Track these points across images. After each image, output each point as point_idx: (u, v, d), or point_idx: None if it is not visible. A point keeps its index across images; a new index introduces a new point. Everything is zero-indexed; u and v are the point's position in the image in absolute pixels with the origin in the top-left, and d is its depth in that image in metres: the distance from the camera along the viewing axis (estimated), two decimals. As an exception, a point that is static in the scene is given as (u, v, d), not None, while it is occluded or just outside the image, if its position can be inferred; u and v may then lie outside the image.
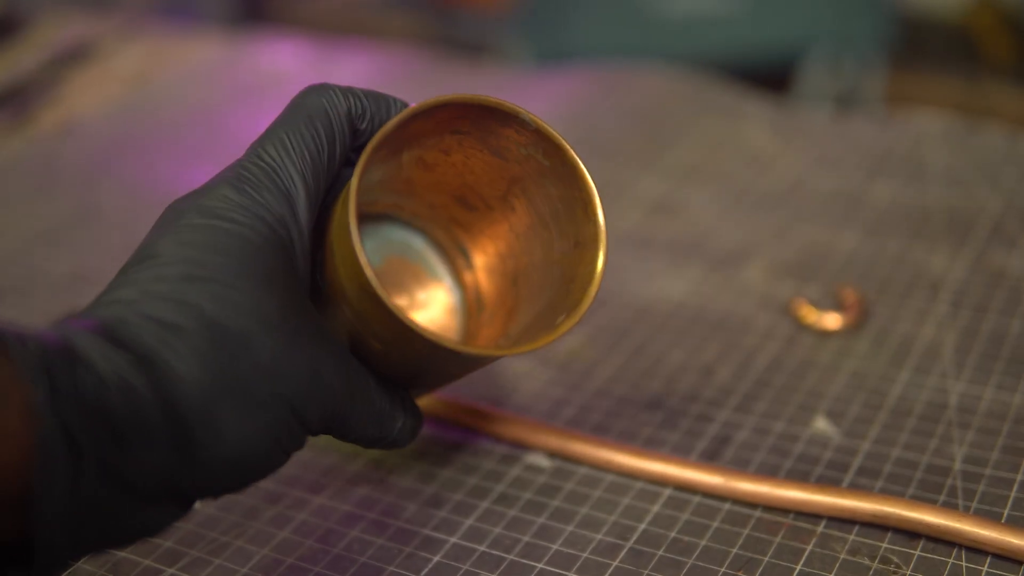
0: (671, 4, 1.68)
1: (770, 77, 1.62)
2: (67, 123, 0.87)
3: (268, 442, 0.35)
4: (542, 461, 0.49)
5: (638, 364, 0.55)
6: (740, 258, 0.63)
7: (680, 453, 0.49)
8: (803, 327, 0.57)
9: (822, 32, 1.70)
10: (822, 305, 0.58)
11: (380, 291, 0.36)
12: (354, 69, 0.91)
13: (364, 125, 0.40)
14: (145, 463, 0.32)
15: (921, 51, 1.88)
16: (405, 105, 0.41)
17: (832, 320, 0.56)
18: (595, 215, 0.40)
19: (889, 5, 1.70)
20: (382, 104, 0.40)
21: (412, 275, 0.47)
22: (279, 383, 0.34)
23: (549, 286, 0.42)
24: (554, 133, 0.40)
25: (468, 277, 0.47)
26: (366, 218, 0.46)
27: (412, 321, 0.36)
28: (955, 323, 0.56)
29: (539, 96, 0.86)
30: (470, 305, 0.47)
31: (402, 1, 2.09)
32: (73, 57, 0.99)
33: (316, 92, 0.39)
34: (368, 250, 0.45)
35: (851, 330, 0.56)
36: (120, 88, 0.94)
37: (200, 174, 0.78)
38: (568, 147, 0.40)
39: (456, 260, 0.47)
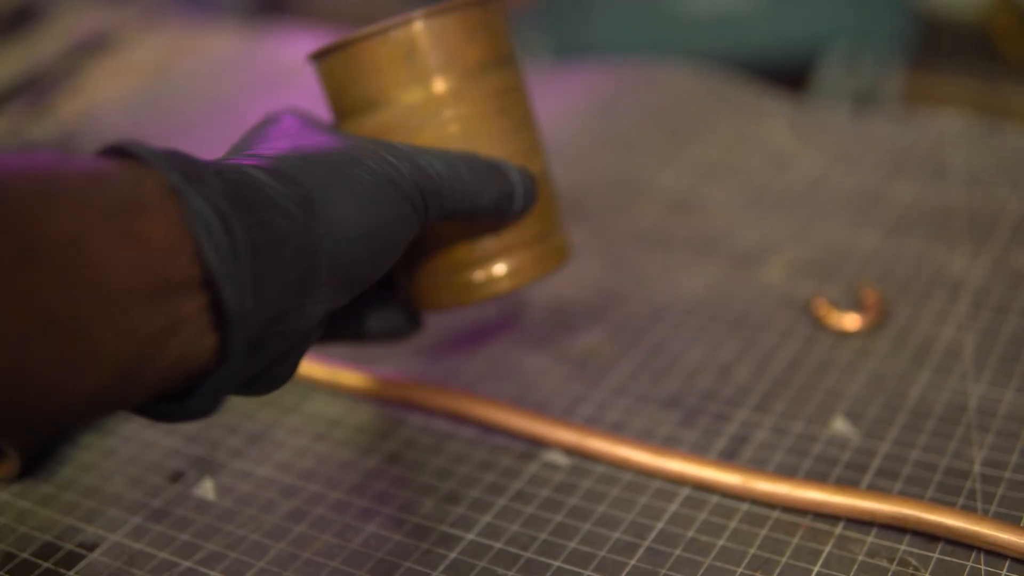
0: (691, 1, 1.68)
1: (788, 75, 1.62)
2: (86, 113, 0.87)
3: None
4: (560, 459, 0.49)
5: (656, 362, 0.55)
6: (759, 256, 0.63)
7: (698, 452, 0.49)
8: (822, 327, 0.56)
9: (841, 30, 1.70)
10: (842, 305, 0.58)
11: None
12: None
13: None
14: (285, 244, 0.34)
15: (940, 50, 1.88)
16: None
17: (852, 320, 0.56)
18: None
19: (908, 4, 1.70)
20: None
21: None
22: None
23: None
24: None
25: None
26: None
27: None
28: (976, 324, 0.56)
29: (558, 91, 0.86)
30: None
31: (420, -6, 2.10)
32: (92, 47, 0.99)
33: None
34: None
35: (871, 330, 0.56)
36: (139, 79, 0.94)
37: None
38: None
39: None
